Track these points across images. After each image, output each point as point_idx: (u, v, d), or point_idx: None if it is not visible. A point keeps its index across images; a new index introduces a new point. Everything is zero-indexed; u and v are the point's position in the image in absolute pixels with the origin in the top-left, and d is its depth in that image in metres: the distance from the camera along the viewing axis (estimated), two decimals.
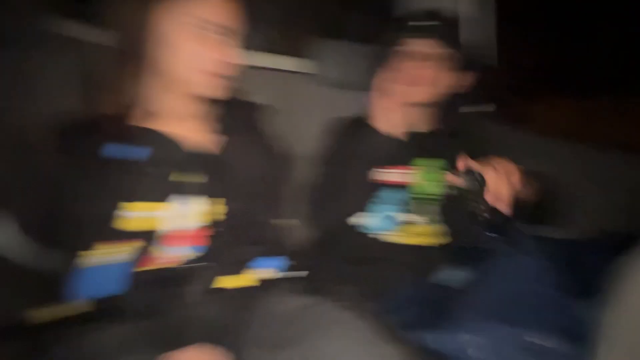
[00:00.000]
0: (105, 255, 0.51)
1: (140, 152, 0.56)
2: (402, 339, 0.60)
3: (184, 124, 0.63)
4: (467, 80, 0.86)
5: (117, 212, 0.52)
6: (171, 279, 0.54)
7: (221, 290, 0.57)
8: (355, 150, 0.83)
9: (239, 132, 0.67)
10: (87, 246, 0.50)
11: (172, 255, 0.58)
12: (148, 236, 0.54)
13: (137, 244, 0.53)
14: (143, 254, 0.55)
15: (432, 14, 0.83)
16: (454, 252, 0.93)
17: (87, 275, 0.50)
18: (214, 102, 0.67)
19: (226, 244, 0.60)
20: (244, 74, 0.93)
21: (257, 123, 0.73)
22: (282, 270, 0.64)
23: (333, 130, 0.91)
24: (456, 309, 0.59)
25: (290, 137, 0.99)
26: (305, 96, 1.05)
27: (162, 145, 0.59)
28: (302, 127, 1.03)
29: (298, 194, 0.95)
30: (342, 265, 0.83)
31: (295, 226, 0.73)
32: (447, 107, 0.89)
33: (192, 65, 0.58)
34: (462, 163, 0.66)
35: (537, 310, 0.52)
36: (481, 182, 0.62)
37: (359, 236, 0.83)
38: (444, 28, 0.81)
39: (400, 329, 0.65)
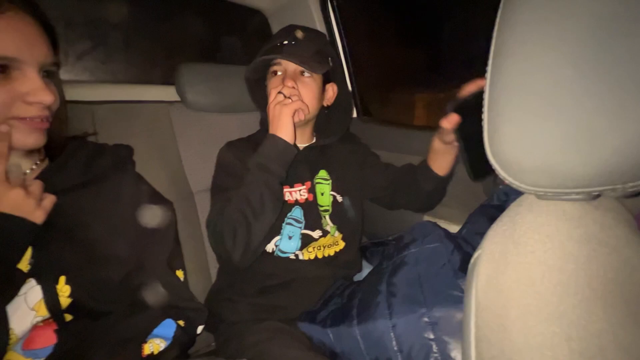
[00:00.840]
0: None
1: None
2: None
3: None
4: (332, 92, 0.89)
5: None
6: None
7: None
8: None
9: (81, 185, 0.55)
10: None
11: None
12: None
13: None
14: None
15: (294, 33, 0.82)
16: (364, 251, 0.96)
17: None
18: (40, 154, 0.55)
19: (81, 334, 0.49)
20: (104, 110, 0.82)
21: (108, 168, 0.60)
22: (171, 337, 0.56)
23: (228, 155, 0.85)
24: (368, 301, 0.60)
25: (177, 170, 0.92)
26: (183, 124, 0.96)
27: None
28: (191, 158, 0.94)
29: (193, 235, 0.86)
30: (257, 297, 0.79)
31: (180, 278, 0.64)
32: (322, 120, 0.90)
33: None
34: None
35: (438, 288, 0.55)
36: None
37: (274, 261, 0.80)
38: (306, 46, 0.80)
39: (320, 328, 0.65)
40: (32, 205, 0.47)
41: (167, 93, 0.96)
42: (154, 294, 0.58)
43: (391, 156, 0.99)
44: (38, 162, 0.55)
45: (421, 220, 0.98)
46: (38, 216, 0.48)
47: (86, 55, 1.07)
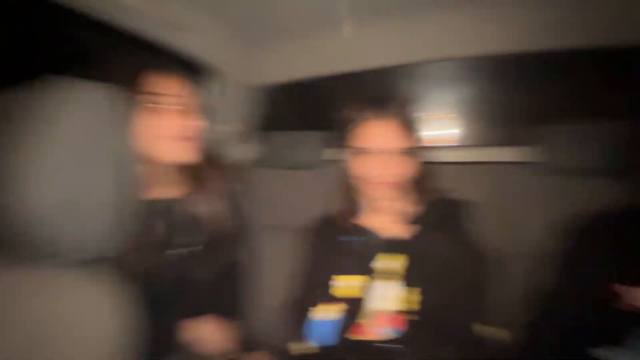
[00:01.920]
0: (324, 313, 0.70)
1: (355, 240, 0.75)
2: None
3: (384, 219, 0.77)
4: None
5: (333, 282, 0.72)
6: (371, 352, 0.65)
7: None
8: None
9: (435, 225, 0.74)
10: (314, 305, 0.72)
11: (375, 332, 0.69)
12: (352, 302, 0.69)
13: (343, 307, 0.70)
14: (352, 322, 0.69)
15: None
16: None
17: (314, 325, 0.70)
18: (410, 199, 0.78)
19: (419, 334, 0.65)
20: (452, 171, 1.02)
21: (455, 219, 0.77)
22: None
23: (576, 227, 0.76)
24: None
25: (508, 233, 0.94)
26: (525, 187, 0.97)
27: (368, 235, 0.76)
28: (524, 222, 0.94)
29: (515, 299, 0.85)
30: None
31: (503, 337, 0.67)
32: None
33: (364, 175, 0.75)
34: None
35: None
36: None
37: None
38: None
39: None
40: None
41: (509, 154, 1.03)
42: (470, 336, 0.66)
43: None
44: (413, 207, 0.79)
45: None
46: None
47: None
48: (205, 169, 0.86)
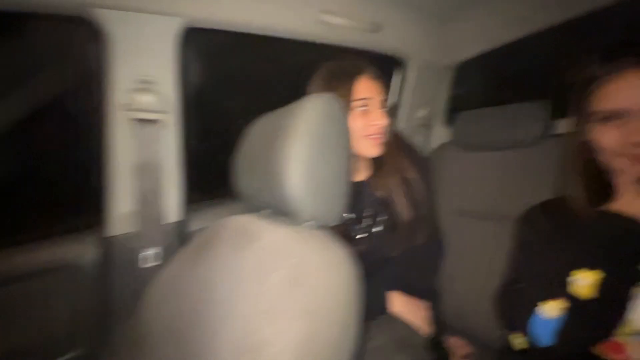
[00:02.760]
0: (552, 310, 0.58)
1: (598, 232, 0.58)
2: None
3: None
4: None
5: (568, 277, 0.57)
6: None
7: None
8: None
9: None
10: (544, 299, 0.59)
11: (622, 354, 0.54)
12: (586, 305, 0.55)
13: (576, 308, 0.56)
14: (581, 327, 0.56)
15: None
16: None
17: (537, 322, 0.59)
18: None
19: None
20: None
21: None
22: None
23: None
24: None
25: None
26: None
27: (620, 223, 0.57)
28: None
29: None
30: None
31: None
32: None
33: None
34: None
35: None
36: None
37: None
38: None
39: None
40: None
41: None
42: None
43: None
44: None
45: None
46: None
47: None
48: (391, 157, 0.92)
